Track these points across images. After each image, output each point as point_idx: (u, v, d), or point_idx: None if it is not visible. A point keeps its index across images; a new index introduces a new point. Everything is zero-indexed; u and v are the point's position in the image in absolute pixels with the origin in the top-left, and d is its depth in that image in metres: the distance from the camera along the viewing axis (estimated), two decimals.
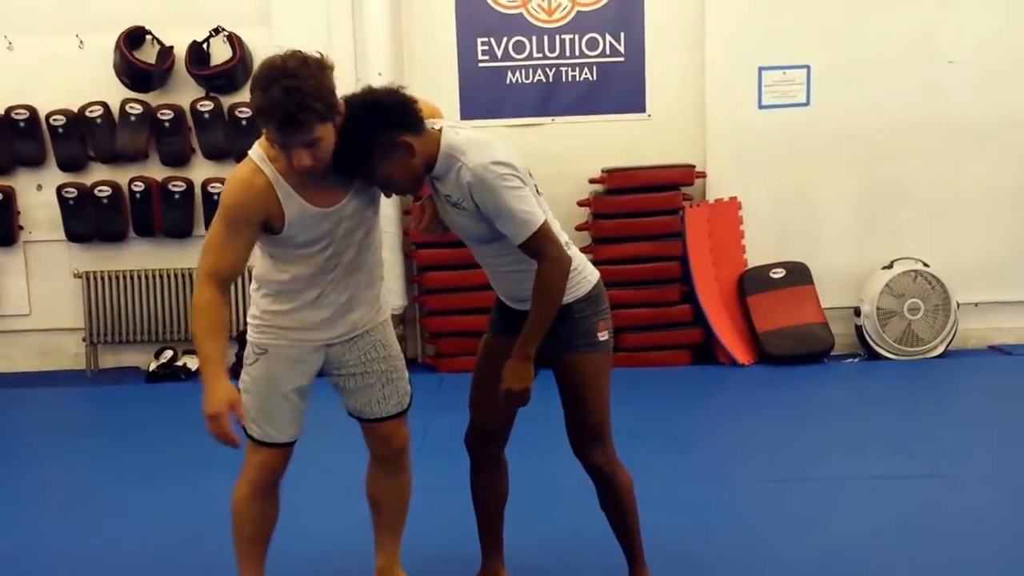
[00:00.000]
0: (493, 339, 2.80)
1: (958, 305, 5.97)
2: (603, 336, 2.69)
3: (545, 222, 2.50)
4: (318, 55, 2.39)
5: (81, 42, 6.14)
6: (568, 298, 2.60)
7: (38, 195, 6.25)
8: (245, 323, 2.74)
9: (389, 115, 2.47)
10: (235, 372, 6.21)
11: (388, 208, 5.93)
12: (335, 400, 2.83)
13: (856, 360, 5.99)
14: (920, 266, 6.00)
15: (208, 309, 2.47)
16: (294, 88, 2.28)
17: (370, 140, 2.44)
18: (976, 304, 6.16)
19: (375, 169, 2.48)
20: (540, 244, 2.49)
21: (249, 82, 2.41)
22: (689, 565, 3.12)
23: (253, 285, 2.67)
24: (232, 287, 2.60)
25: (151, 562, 3.33)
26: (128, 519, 3.74)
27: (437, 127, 2.55)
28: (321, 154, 2.39)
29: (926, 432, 4.56)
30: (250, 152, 2.51)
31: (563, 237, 2.63)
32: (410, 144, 2.47)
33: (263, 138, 2.50)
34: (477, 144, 2.52)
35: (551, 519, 3.49)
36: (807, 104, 6.15)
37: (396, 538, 2.95)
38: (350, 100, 2.47)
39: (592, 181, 6.04)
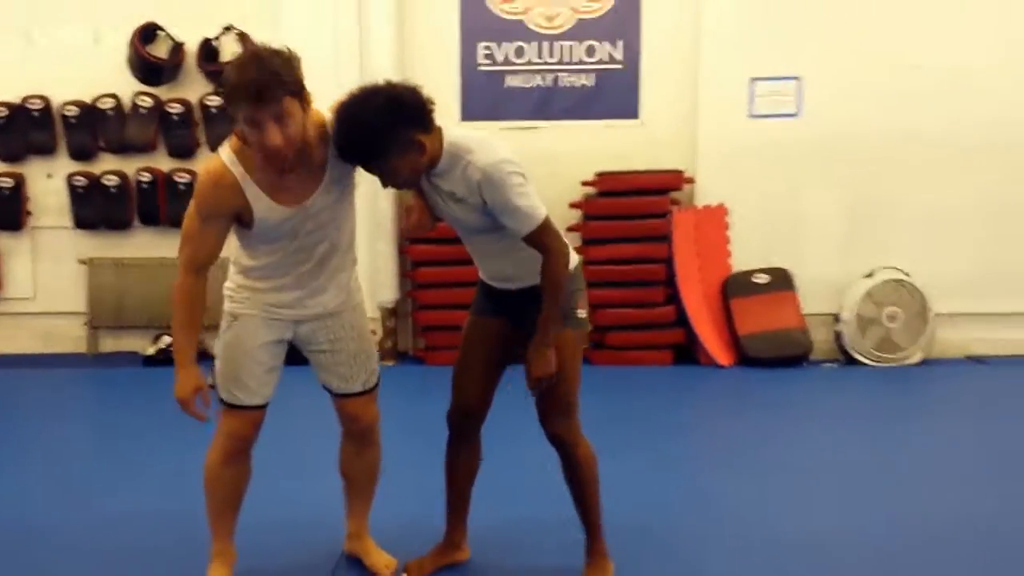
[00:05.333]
0: (477, 320, 2.97)
1: (936, 315, 6.13)
2: (581, 314, 2.86)
3: (547, 216, 2.67)
4: (287, 49, 2.54)
5: (96, 36, 6.35)
6: None
7: (48, 183, 6.45)
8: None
9: (410, 113, 2.57)
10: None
11: (383, 202, 6.12)
12: (310, 385, 3.00)
13: (834, 365, 6.14)
14: (901, 275, 6.15)
15: (185, 300, 2.66)
16: (265, 63, 2.45)
17: (389, 135, 2.54)
18: (952, 315, 6.30)
19: (386, 163, 2.59)
20: (543, 237, 2.66)
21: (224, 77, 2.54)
22: (653, 545, 3.27)
23: (231, 259, 2.80)
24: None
25: (142, 523, 3.50)
26: (122, 485, 3.94)
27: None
28: (290, 132, 2.50)
29: (899, 432, 4.71)
30: (220, 151, 2.65)
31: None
32: (424, 144, 2.60)
33: (233, 138, 2.64)
34: (481, 143, 2.66)
35: (513, 498, 3.65)
36: (797, 115, 6.31)
37: (366, 507, 3.14)
38: (372, 90, 2.57)
39: (585, 184, 6.22)
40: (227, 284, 2.82)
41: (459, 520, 3.12)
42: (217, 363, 2.81)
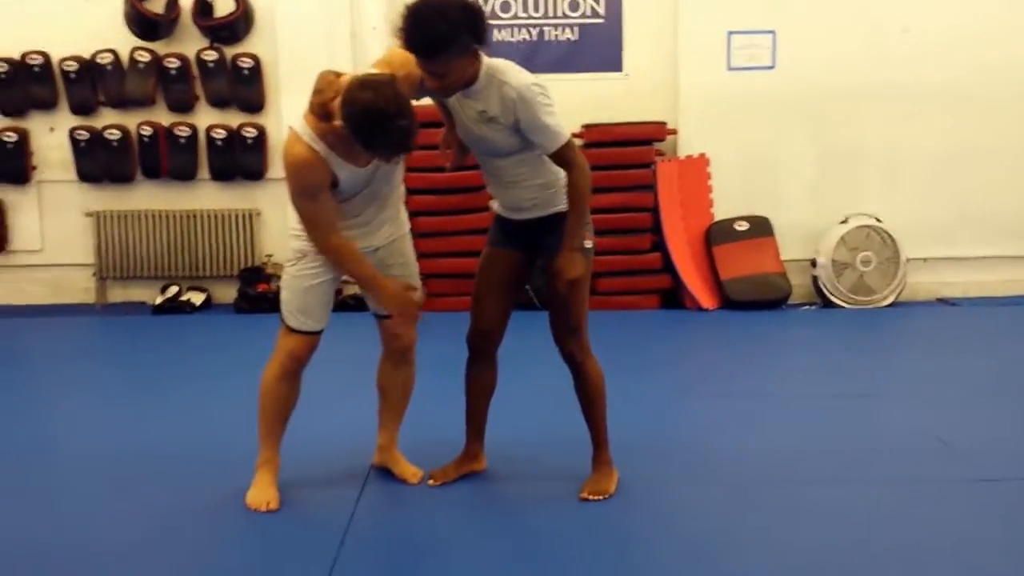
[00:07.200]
0: (493, 251, 3.25)
1: (907, 259, 6.46)
2: (588, 244, 3.13)
3: (571, 136, 2.97)
4: (388, 79, 2.76)
5: None
6: (563, 209, 3.05)
7: (51, 137, 6.60)
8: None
9: (480, 25, 2.85)
10: (237, 308, 6.55)
11: None
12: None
13: (811, 307, 6.48)
14: (873, 222, 6.48)
15: (347, 250, 2.99)
16: (407, 128, 2.72)
17: (461, 33, 2.79)
18: (925, 259, 6.66)
19: (447, 59, 2.80)
20: (569, 153, 2.96)
21: (353, 122, 2.72)
22: (649, 456, 3.57)
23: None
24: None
25: (164, 451, 3.68)
26: (142, 419, 4.14)
27: None
28: None
29: (868, 363, 5.06)
30: (296, 129, 2.89)
31: None
32: (478, 56, 2.88)
33: (308, 115, 2.87)
34: (514, 68, 2.96)
35: (526, 418, 3.92)
36: (772, 67, 6.59)
37: (397, 421, 3.42)
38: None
39: (572, 135, 6.45)
40: (295, 224, 3.05)
41: (477, 433, 3.40)
42: (284, 292, 3.10)
